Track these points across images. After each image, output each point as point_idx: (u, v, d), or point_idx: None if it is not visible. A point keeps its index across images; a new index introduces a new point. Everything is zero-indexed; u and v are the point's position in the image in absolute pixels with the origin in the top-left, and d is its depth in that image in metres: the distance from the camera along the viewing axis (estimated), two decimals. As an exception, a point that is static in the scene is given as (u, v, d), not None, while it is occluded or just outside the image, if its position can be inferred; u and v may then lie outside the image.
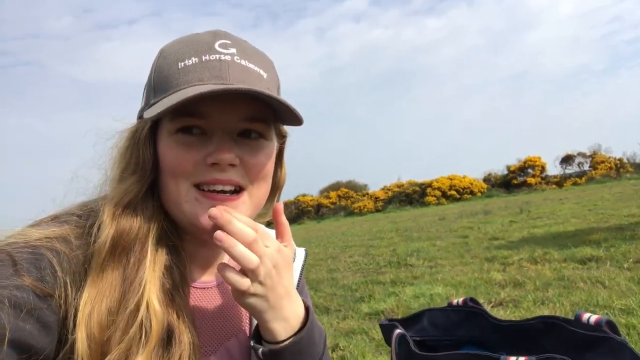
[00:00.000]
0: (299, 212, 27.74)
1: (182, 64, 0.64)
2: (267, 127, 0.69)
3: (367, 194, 28.75)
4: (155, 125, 0.66)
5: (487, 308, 3.29)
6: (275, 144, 0.73)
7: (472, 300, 1.19)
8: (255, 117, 0.66)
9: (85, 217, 0.65)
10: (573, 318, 1.00)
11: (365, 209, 25.56)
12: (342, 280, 5.34)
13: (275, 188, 0.79)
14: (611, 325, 0.97)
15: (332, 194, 28.83)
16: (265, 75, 0.68)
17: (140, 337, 0.57)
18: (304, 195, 29.32)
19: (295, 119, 0.67)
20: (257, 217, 0.85)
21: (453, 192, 24.67)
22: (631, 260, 4.25)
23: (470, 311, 1.17)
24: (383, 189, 28.48)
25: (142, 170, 0.65)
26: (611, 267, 4.12)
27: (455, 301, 1.22)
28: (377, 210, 25.30)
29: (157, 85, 0.66)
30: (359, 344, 2.94)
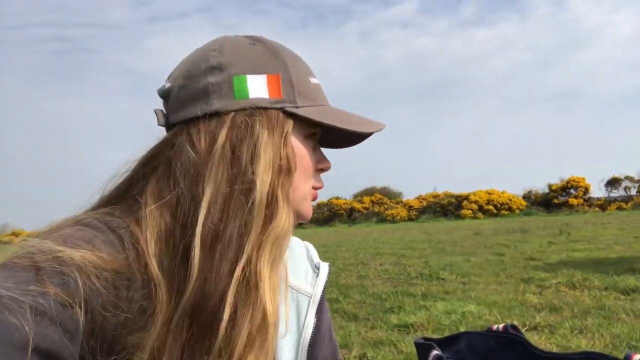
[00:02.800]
0: (330, 215, 27.76)
1: (313, 80, 0.71)
2: None
3: (401, 201, 28.49)
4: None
5: (522, 331, 3.18)
6: None
7: (513, 327, 1.16)
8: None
9: (119, 236, 0.59)
10: (622, 358, 0.97)
11: (398, 217, 25.33)
12: (371, 288, 5.31)
13: None
14: (664, 370, 0.93)
15: (366, 199, 28.72)
16: None
17: None
18: (337, 198, 29.33)
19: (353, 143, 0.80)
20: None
21: (490, 207, 24.12)
22: (678, 294, 4.04)
23: (511, 338, 1.15)
24: (418, 198, 28.13)
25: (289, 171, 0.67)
26: (656, 300, 3.93)
27: (495, 327, 1.20)
28: (410, 219, 25.04)
29: (300, 89, 0.67)
30: (387, 355, 2.91)
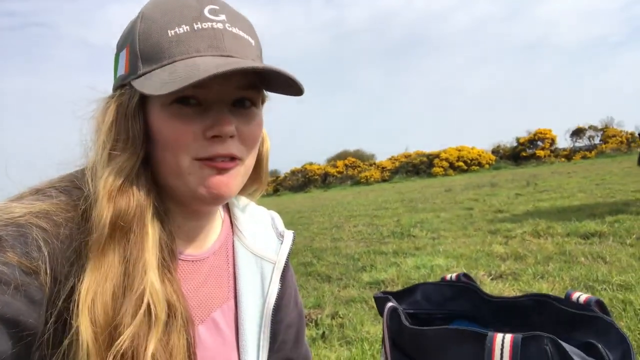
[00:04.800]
0: (305, 181, 27.84)
1: (173, 32, 0.62)
2: (258, 94, 0.68)
3: (374, 163, 28.73)
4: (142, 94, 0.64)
5: (487, 280, 3.33)
6: (262, 111, 0.72)
7: (466, 275, 1.20)
8: (249, 85, 0.65)
9: (68, 192, 0.63)
10: (564, 297, 1.01)
11: (372, 179, 25.58)
12: (345, 249, 5.40)
13: (259, 159, 0.77)
14: (600, 304, 0.98)
15: (339, 163, 28.83)
16: (252, 42, 0.67)
17: (149, 319, 0.57)
18: (310, 164, 29.38)
19: (294, 89, 0.65)
20: (251, 197, 0.86)
21: (461, 164, 24.57)
22: (634, 236, 4.24)
23: (463, 287, 1.19)
24: (390, 159, 28.41)
25: (134, 145, 0.63)
26: (614, 242, 4.12)
27: (448, 276, 1.24)
28: (384, 180, 25.32)
29: (145, 54, 0.63)
30: (359, 312, 2.99)
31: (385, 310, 1.01)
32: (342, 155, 30.88)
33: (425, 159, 25.89)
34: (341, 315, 2.95)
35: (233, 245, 0.80)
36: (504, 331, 0.87)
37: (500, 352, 0.78)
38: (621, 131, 24.87)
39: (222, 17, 0.64)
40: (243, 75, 0.64)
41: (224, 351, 0.73)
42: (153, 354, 0.57)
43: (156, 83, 0.59)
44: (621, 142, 23.94)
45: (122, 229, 0.59)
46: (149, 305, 0.57)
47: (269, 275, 0.81)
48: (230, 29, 0.64)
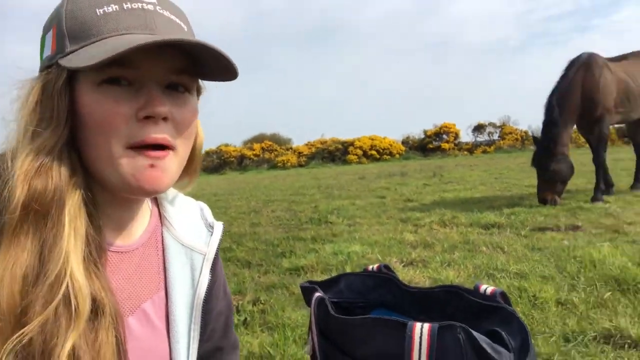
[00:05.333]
0: (220, 162, 27.26)
1: (101, 10, 0.61)
2: (192, 81, 0.68)
3: (291, 148, 28.83)
4: (70, 74, 0.61)
5: (400, 267, 3.54)
6: (196, 100, 0.72)
7: (386, 267, 1.30)
8: (183, 69, 0.65)
9: None
10: (473, 288, 1.15)
11: (289, 163, 25.69)
12: (264, 235, 5.43)
13: (193, 152, 0.76)
14: (504, 296, 1.12)
15: (256, 145, 28.55)
16: (185, 28, 0.68)
17: (68, 312, 0.55)
18: (226, 145, 28.79)
19: (229, 73, 0.66)
20: (180, 189, 0.85)
21: (373, 152, 25.47)
22: (528, 228, 4.72)
23: (384, 277, 1.29)
24: (307, 144, 28.66)
25: (57, 123, 0.60)
26: (510, 233, 4.57)
27: (370, 267, 1.34)
28: (300, 165, 25.54)
29: (72, 32, 0.61)
30: (279, 298, 3.06)
31: (313, 299, 1.07)
32: (259, 138, 30.63)
33: (340, 146, 26.48)
34: (263, 302, 2.99)
35: (162, 236, 0.80)
36: (421, 320, 0.97)
37: (419, 340, 0.87)
38: (517, 129, 27.23)
39: (154, 0, 0.64)
40: (175, 56, 0.63)
41: (154, 342, 0.74)
42: (73, 350, 0.55)
43: (83, 58, 0.58)
44: (516, 139, 26.24)
45: (37, 213, 0.57)
46: (67, 297, 0.55)
47: (199, 266, 0.81)
48: (161, 11, 0.64)
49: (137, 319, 0.72)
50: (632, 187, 6.91)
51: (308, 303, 1.14)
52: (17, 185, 0.56)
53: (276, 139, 31.03)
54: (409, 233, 4.87)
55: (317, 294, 1.07)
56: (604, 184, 6.31)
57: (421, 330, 0.87)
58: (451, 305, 1.16)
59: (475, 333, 0.87)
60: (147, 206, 0.80)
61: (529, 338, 0.95)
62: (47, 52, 0.64)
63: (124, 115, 0.60)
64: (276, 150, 28.32)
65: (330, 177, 15.52)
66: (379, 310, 1.26)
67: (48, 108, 0.60)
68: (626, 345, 2.02)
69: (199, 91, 0.73)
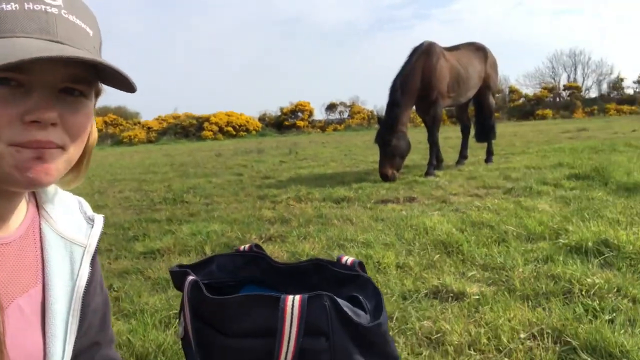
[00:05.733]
0: (55, 138, 24.40)
1: (7, 7, 0.58)
2: (90, 87, 0.68)
3: (139, 122, 27.08)
4: None
5: (259, 243, 3.61)
6: (93, 103, 0.72)
7: (257, 246, 1.37)
8: (79, 77, 0.64)
9: None
10: (336, 260, 1.27)
11: (137, 139, 24.12)
12: (112, 217, 5.07)
13: (85, 151, 0.77)
14: (361, 265, 1.27)
15: (98, 119, 26.06)
16: (91, 33, 0.66)
17: None
18: (62, 119, 25.83)
19: (127, 87, 0.67)
20: (63, 185, 0.83)
21: (230, 129, 25.18)
22: (373, 201, 5.18)
23: (255, 255, 1.35)
24: (157, 119, 27.18)
25: None
26: (358, 206, 4.97)
27: (242, 247, 1.39)
28: (150, 142, 24.16)
29: None
30: (135, 283, 2.92)
31: (186, 283, 1.09)
32: (102, 112, 28.03)
33: (195, 121, 25.64)
34: (116, 289, 2.83)
35: (40, 229, 0.78)
36: (290, 292, 1.06)
37: (291, 310, 0.96)
38: (364, 109, 29.30)
39: (59, 2, 0.62)
40: (75, 65, 0.62)
41: (28, 337, 0.73)
42: None
43: None
44: (364, 118, 28.23)
45: None
46: None
47: (79, 258, 0.81)
48: (66, 15, 0.62)
49: (11, 314, 0.70)
50: (457, 162, 7.99)
51: (179, 288, 1.14)
52: None
53: (122, 113, 28.77)
54: (267, 210, 4.98)
55: (190, 278, 1.09)
56: (435, 160, 7.19)
57: (293, 302, 0.96)
58: (317, 277, 1.27)
59: (339, 300, 0.98)
60: (23, 199, 0.77)
61: (381, 300, 1.10)
62: None
63: (9, 116, 0.58)
64: (122, 124, 26.28)
65: (184, 154, 14.96)
66: (249, 287, 1.32)
67: None
68: (449, 298, 2.40)
69: (97, 93, 0.72)
